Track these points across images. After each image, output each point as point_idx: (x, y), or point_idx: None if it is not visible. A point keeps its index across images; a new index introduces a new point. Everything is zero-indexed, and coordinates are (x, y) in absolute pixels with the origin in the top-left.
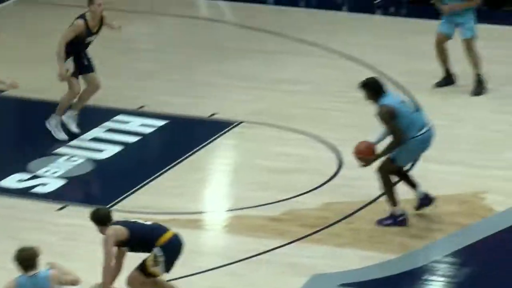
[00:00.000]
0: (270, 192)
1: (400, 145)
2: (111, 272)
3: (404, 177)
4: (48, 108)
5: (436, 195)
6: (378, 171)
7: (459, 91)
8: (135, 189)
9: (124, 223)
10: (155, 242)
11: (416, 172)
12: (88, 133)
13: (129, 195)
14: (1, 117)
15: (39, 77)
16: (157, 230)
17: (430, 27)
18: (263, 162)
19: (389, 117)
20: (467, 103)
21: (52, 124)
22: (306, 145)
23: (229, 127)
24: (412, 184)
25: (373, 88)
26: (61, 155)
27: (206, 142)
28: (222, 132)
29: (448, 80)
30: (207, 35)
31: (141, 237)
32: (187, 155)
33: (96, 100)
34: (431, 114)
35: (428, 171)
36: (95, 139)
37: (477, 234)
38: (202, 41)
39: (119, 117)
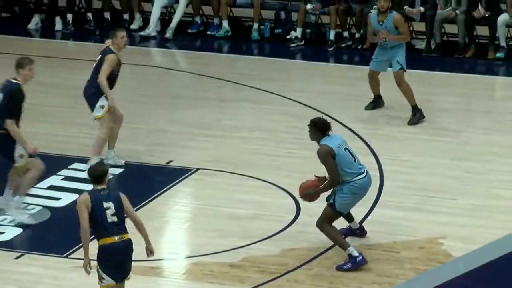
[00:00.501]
0: (229, 239)
1: (335, 185)
2: (86, 234)
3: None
4: None
5: (395, 241)
6: (318, 226)
7: (414, 137)
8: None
9: (96, 200)
10: (98, 239)
11: (374, 217)
12: (45, 181)
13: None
14: None
15: None
16: (109, 229)
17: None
18: (221, 209)
19: (326, 157)
20: (422, 149)
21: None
22: (263, 192)
23: (186, 174)
24: (349, 218)
25: (319, 128)
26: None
27: (163, 190)
28: (179, 179)
29: (376, 103)
30: (162, 83)
31: (93, 224)
32: (144, 202)
33: (51, 148)
34: (387, 160)
35: (386, 217)
36: (52, 187)
37: (436, 280)
38: (157, 89)
39: (75, 165)
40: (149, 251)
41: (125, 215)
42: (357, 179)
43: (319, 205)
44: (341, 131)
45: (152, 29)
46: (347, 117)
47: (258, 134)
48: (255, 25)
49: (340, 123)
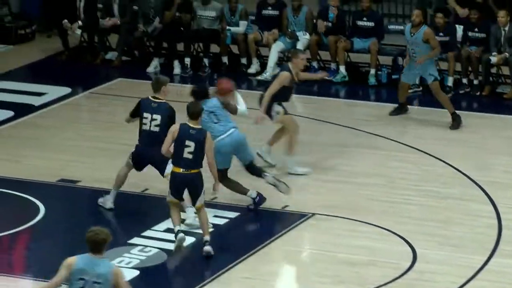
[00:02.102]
0: (343, 285)
1: None
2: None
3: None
4: (123, 197)
5: None
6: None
7: None
8: (207, 280)
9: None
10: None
11: (493, 267)
12: (162, 223)
13: (201, 286)
14: (79, 206)
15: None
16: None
17: (503, 122)
18: (337, 255)
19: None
20: None
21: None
22: (379, 238)
23: (302, 219)
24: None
25: (198, 95)
26: (135, 245)
27: (278, 234)
28: (295, 224)
29: (400, 110)
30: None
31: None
32: (260, 246)
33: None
34: (506, 208)
35: (505, 267)
36: (169, 230)
37: None
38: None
39: (192, 208)
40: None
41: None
42: (218, 140)
43: (437, 252)
44: (459, 178)
45: (269, 73)
46: (464, 164)
47: (375, 179)
48: (372, 71)
49: (458, 170)
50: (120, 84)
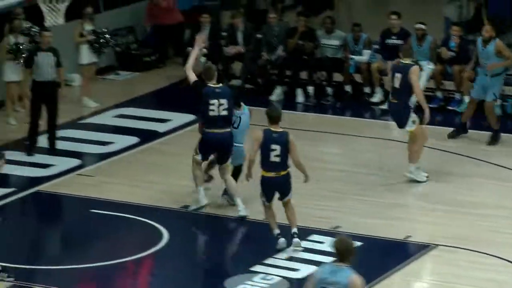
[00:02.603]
0: None
1: None
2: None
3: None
4: (246, 223)
5: None
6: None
7: None
8: None
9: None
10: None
11: None
12: (284, 252)
13: None
14: (201, 232)
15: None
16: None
17: None
18: (461, 287)
19: None
20: None
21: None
22: (504, 271)
23: (425, 250)
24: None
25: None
26: (257, 272)
27: (401, 265)
28: (417, 254)
29: (460, 132)
30: (402, 156)
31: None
32: (381, 277)
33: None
34: None
35: None
36: (290, 258)
37: None
38: (397, 163)
39: (313, 237)
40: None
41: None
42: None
43: None
44: None
45: None
46: None
47: (499, 211)
48: (498, 101)
49: None
50: None
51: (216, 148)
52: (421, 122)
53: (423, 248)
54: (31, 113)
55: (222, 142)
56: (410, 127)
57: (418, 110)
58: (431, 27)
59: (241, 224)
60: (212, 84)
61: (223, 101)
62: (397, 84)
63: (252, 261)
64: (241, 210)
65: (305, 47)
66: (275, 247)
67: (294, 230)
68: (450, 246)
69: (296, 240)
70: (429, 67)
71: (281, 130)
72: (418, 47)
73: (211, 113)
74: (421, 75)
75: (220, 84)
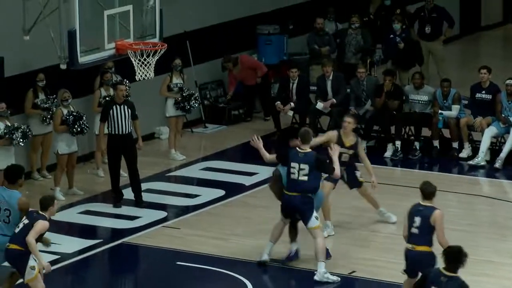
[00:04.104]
0: None
1: None
2: None
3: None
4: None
5: None
6: None
7: None
8: None
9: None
10: None
11: None
12: None
13: None
14: (284, 286)
15: None
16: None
17: None
18: None
19: None
20: None
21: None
22: None
23: None
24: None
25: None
26: None
27: None
28: None
29: None
30: (490, 213)
31: None
32: None
33: (368, 273)
34: None
35: None
36: None
37: None
38: (484, 219)
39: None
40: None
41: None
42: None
43: None
44: None
45: (481, 158)
46: None
47: None
48: None
49: None
50: None
51: (291, 211)
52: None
53: None
54: (109, 166)
55: (294, 206)
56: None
57: None
58: None
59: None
60: (301, 148)
61: (304, 166)
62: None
63: None
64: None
65: (390, 105)
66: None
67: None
68: None
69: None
70: None
71: (429, 204)
72: (509, 102)
73: (291, 176)
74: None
75: (308, 150)
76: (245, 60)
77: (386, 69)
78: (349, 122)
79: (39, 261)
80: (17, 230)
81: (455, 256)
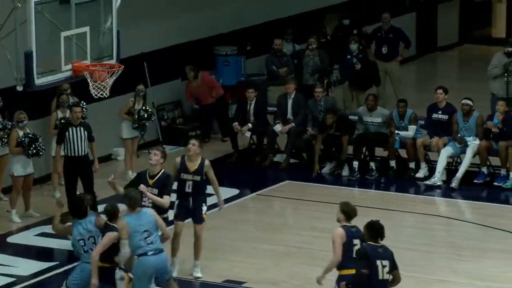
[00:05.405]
0: None
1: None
2: None
3: None
4: None
5: None
6: None
7: None
8: None
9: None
10: None
11: None
12: None
13: None
14: None
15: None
16: None
17: None
18: None
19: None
20: None
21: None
22: None
23: None
24: None
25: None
26: None
27: None
28: None
29: None
30: (445, 232)
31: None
32: None
33: None
34: None
35: None
36: None
37: None
38: (440, 239)
39: None
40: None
41: None
42: None
43: None
44: None
45: (437, 178)
46: None
47: None
48: None
49: None
50: (287, 186)
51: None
52: None
53: None
54: (66, 188)
55: None
56: None
57: None
58: (478, 104)
59: None
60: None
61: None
62: None
63: None
64: None
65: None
66: None
67: None
68: None
69: None
70: (474, 142)
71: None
72: (465, 122)
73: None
74: (468, 151)
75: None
76: (205, 77)
77: (327, 108)
78: (193, 144)
79: (93, 275)
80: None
81: (377, 228)
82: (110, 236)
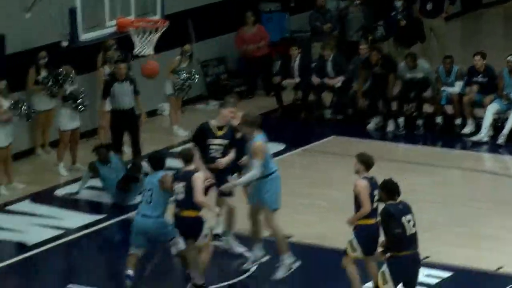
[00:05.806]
0: None
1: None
2: None
3: None
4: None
5: None
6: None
7: None
8: None
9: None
10: None
11: None
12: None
13: None
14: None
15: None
16: None
17: None
18: None
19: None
20: None
21: None
22: None
23: None
24: None
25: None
26: None
27: None
28: (510, 287)
29: None
30: (494, 189)
31: None
32: None
33: None
34: None
35: None
36: None
37: None
38: (488, 195)
39: None
40: None
41: None
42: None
43: None
44: None
45: (484, 134)
46: None
47: None
48: None
49: None
50: (333, 142)
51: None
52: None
53: None
54: (113, 142)
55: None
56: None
57: None
58: None
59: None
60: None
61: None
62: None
63: None
64: None
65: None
66: None
67: None
68: None
69: None
70: None
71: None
72: (511, 79)
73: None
74: None
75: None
76: (261, 27)
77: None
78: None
79: (213, 210)
80: (180, 197)
81: (392, 187)
82: (201, 177)
